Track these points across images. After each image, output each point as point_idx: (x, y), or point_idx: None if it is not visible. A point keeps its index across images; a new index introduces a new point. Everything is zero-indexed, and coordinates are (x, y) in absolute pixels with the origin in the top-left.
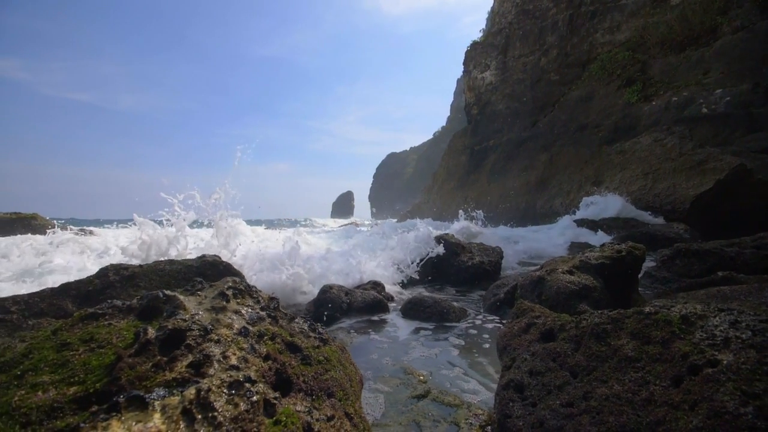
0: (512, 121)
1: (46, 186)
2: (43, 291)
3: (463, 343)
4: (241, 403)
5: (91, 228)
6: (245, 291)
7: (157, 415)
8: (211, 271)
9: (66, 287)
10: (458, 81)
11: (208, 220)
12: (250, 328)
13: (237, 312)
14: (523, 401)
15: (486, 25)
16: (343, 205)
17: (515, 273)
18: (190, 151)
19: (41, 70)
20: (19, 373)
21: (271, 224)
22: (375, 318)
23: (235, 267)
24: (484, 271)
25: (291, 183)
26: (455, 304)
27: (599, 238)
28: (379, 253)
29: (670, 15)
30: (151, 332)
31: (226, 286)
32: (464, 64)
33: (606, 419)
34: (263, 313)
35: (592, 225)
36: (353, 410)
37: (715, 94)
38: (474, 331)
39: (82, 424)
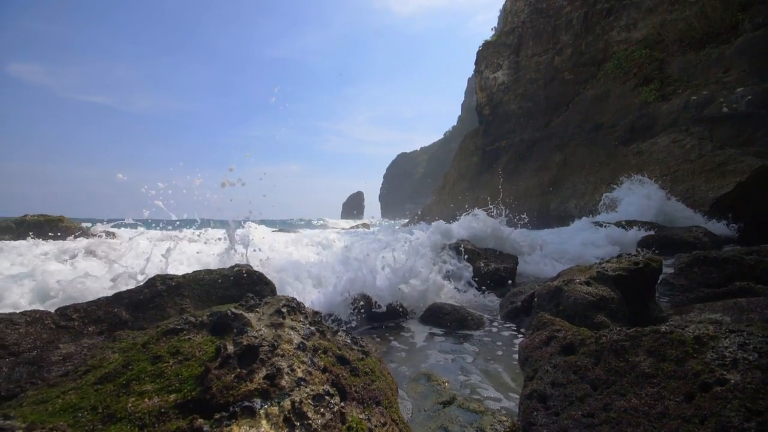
0: (525, 121)
1: (57, 186)
2: (99, 300)
3: (480, 350)
4: (327, 413)
5: (113, 230)
6: (296, 308)
7: (264, 422)
8: (244, 280)
9: (119, 296)
10: (469, 80)
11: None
12: (306, 342)
13: (293, 328)
14: (547, 411)
15: (498, 24)
16: (353, 206)
17: (531, 281)
18: (201, 152)
19: (59, 73)
20: (124, 382)
21: (285, 225)
22: (392, 324)
23: (266, 276)
24: (500, 277)
25: (301, 183)
26: (472, 311)
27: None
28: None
29: (689, 11)
30: (230, 347)
31: (281, 304)
32: (476, 63)
33: (624, 430)
34: (313, 328)
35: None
36: (397, 417)
37: (736, 93)
38: (491, 339)
39: (206, 428)
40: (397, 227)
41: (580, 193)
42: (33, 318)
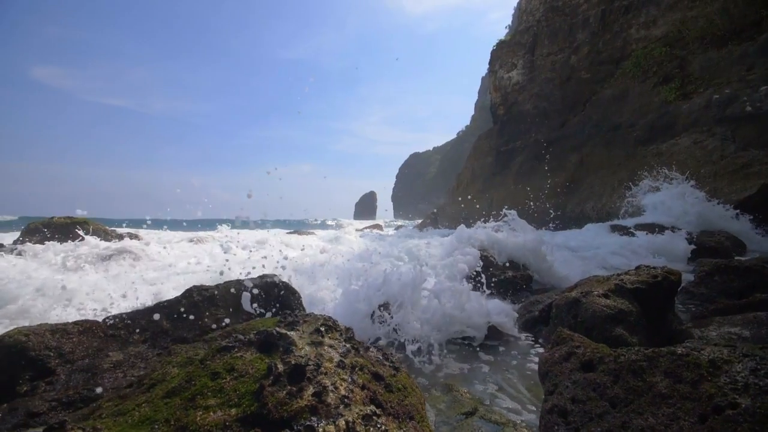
0: (540, 121)
1: (72, 186)
2: (142, 309)
3: (497, 360)
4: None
5: (136, 231)
6: (333, 327)
7: None
8: (272, 290)
9: (159, 306)
10: (483, 79)
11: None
12: (345, 360)
13: (332, 346)
14: (567, 426)
15: (512, 22)
16: (366, 206)
17: (549, 290)
18: (216, 152)
19: (81, 77)
20: (190, 396)
21: (299, 226)
22: None
23: (291, 286)
24: (516, 284)
25: (314, 184)
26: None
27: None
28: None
29: (711, 8)
30: (280, 366)
31: (319, 323)
32: (490, 63)
33: None
34: (348, 346)
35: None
36: (429, 431)
37: (760, 92)
38: (507, 349)
39: None
40: (411, 227)
41: (597, 194)
42: (84, 327)
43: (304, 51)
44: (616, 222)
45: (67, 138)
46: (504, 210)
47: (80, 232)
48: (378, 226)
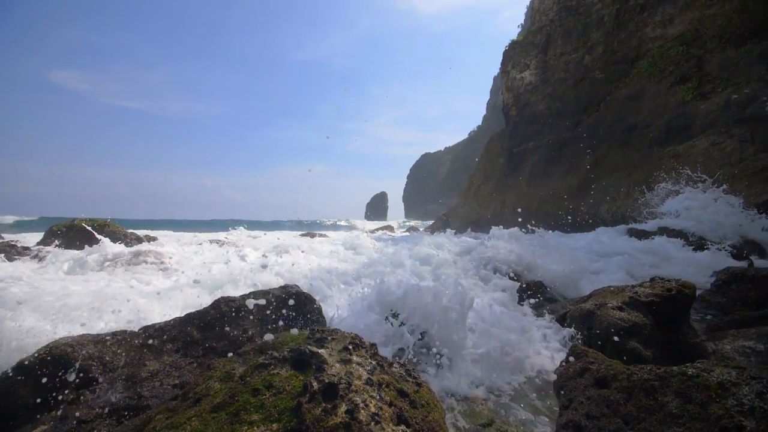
0: (553, 122)
1: (97, 188)
2: (173, 320)
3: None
4: None
5: (154, 233)
6: (359, 344)
7: None
8: (294, 300)
9: (190, 317)
10: (495, 79)
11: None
12: (372, 378)
13: (359, 364)
14: None
15: (524, 21)
16: (377, 207)
17: (563, 300)
18: (228, 153)
19: (99, 80)
20: (234, 411)
21: (312, 226)
22: None
23: (312, 296)
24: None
25: (325, 184)
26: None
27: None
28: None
29: (729, 6)
30: (315, 384)
31: (347, 342)
32: (502, 64)
33: None
34: (374, 362)
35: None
36: None
37: None
38: None
39: None
40: (421, 229)
41: (612, 196)
42: (122, 337)
43: (315, 52)
44: (634, 226)
45: (84, 140)
46: (531, 225)
47: (99, 236)
48: (390, 228)
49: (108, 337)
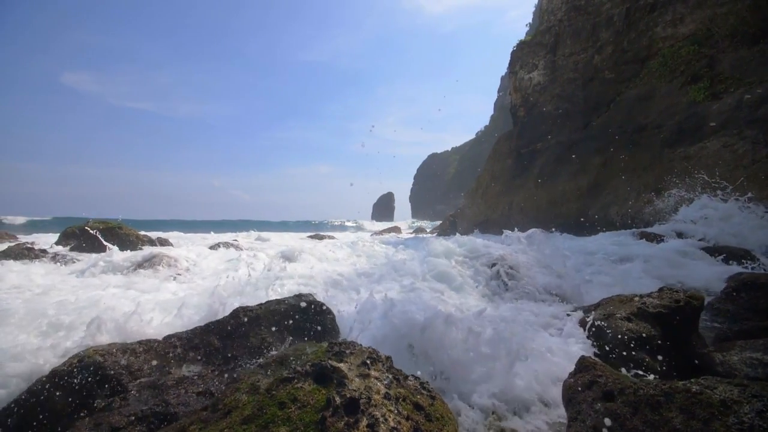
0: (562, 122)
1: (108, 188)
2: (195, 329)
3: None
4: None
5: (165, 235)
6: (376, 359)
7: None
8: (309, 309)
9: (210, 326)
10: (503, 78)
11: None
12: (390, 392)
13: (377, 378)
14: None
15: (532, 20)
16: (383, 207)
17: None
18: (236, 154)
19: (108, 82)
20: (263, 423)
21: (320, 227)
22: None
23: (327, 306)
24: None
25: (332, 184)
26: None
27: None
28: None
29: (742, 5)
30: (338, 399)
31: (365, 357)
32: (510, 64)
33: None
34: (390, 376)
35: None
36: None
37: None
38: None
39: None
40: (428, 230)
41: (622, 199)
42: (148, 346)
43: (322, 53)
44: (646, 229)
45: (94, 141)
46: (540, 227)
47: (107, 243)
48: (396, 229)
49: (135, 346)
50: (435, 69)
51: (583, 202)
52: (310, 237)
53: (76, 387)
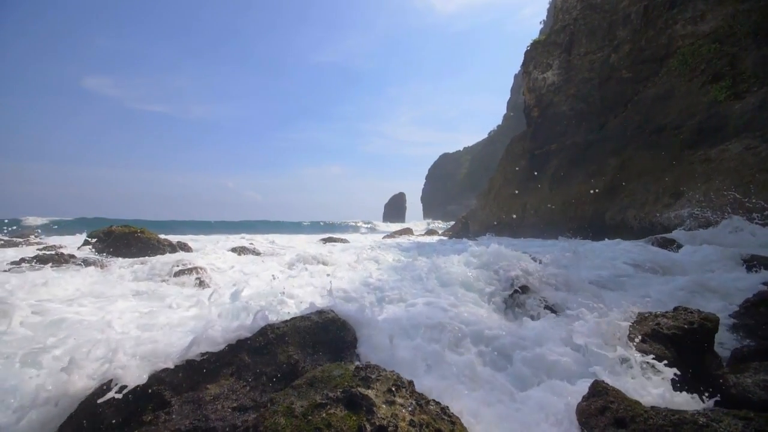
0: (577, 123)
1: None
2: (227, 346)
3: None
4: None
5: (184, 239)
6: (401, 385)
7: None
8: (331, 326)
9: (241, 343)
10: (516, 77)
11: None
12: (414, 419)
13: (402, 405)
14: None
15: (546, 17)
16: (395, 207)
17: None
18: (249, 155)
19: (127, 86)
20: None
21: (331, 228)
22: None
23: (347, 323)
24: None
25: (344, 185)
26: None
27: None
28: None
29: (764, 1)
30: (368, 426)
31: (390, 384)
32: (524, 65)
33: None
34: (414, 402)
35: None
36: None
37: None
38: None
39: None
40: (440, 232)
41: (639, 202)
42: (185, 362)
43: (334, 54)
44: (668, 235)
45: (115, 143)
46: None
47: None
48: (409, 231)
49: (176, 361)
50: (447, 68)
51: (599, 205)
52: (323, 240)
53: (124, 402)
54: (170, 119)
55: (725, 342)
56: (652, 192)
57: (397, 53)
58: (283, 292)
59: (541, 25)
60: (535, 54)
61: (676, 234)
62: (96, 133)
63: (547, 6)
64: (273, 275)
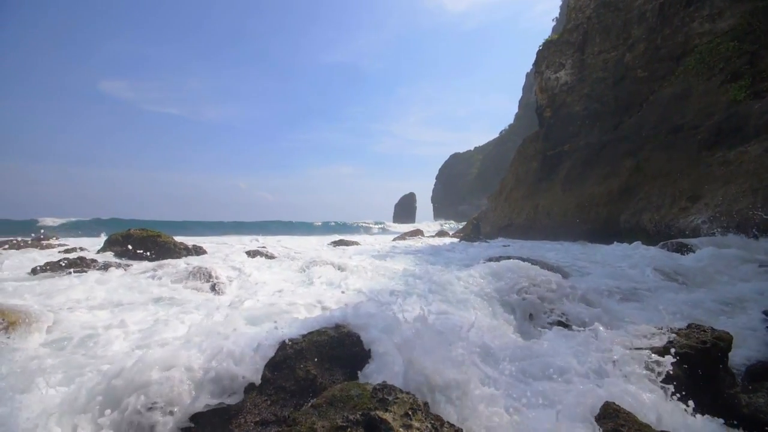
0: (591, 123)
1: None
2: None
3: None
4: None
5: (200, 241)
6: (417, 408)
7: None
8: (346, 341)
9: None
10: (528, 76)
11: None
12: None
13: (419, 429)
14: None
15: (559, 15)
16: (405, 208)
17: None
18: (261, 156)
19: (142, 89)
20: None
21: (342, 229)
22: None
23: (361, 339)
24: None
25: (353, 185)
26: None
27: None
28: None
29: None
30: None
31: (407, 407)
32: (536, 64)
33: None
34: (429, 425)
35: None
36: None
37: None
38: None
39: None
40: (451, 233)
41: (655, 205)
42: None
43: (344, 54)
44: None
45: (130, 145)
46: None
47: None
48: (419, 232)
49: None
50: (457, 67)
51: (613, 207)
52: (335, 243)
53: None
54: (183, 121)
55: (743, 356)
56: (669, 195)
57: (407, 53)
58: (298, 303)
59: (554, 23)
60: (548, 53)
61: (694, 239)
62: (111, 134)
63: (560, 3)
64: (287, 284)
